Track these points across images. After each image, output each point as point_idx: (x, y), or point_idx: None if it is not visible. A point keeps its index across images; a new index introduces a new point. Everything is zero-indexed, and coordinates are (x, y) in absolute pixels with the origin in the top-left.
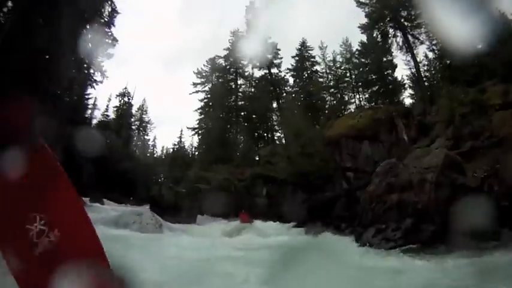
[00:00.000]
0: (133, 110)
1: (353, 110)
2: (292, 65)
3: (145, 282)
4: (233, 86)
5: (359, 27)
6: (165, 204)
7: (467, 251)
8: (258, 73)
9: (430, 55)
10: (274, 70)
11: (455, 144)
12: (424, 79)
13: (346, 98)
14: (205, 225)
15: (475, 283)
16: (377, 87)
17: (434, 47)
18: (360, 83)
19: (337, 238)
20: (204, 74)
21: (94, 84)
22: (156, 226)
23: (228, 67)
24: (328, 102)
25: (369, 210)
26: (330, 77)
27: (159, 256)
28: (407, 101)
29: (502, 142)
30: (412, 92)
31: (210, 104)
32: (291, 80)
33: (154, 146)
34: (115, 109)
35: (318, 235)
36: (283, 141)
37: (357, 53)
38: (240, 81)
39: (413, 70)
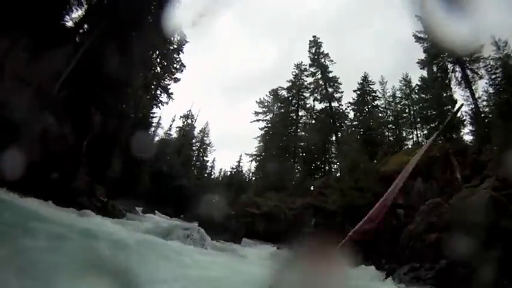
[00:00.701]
0: (196, 131)
1: (410, 146)
2: (353, 99)
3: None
4: (294, 117)
5: (417, 62)
6: (213, 223)
7: None
8: (319, 106)
9: (490, 90)
10: (334, 104)
11: (504, 185)
12: (483, 115)
13: (404, 134)
14: (248, 247)
15: None
16: (436, 123)
17: (493, 82)
18: (419, 119)
19: (372, 273)
20: (266, 104)
21: (160, 104)
22: (199, 241)
23: (290, 98)
24: (386, 138)
25: (406, 248)
26: (388, 112)
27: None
28: (467, 138)
29: None
30: (472, 129)
31: (270, 132)
32: (352, 114)
33: (212, 167)
34: (178, 129)
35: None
36: (338, 174)
37: (416, 88)
38: (301, 113)
39: (472, 106)
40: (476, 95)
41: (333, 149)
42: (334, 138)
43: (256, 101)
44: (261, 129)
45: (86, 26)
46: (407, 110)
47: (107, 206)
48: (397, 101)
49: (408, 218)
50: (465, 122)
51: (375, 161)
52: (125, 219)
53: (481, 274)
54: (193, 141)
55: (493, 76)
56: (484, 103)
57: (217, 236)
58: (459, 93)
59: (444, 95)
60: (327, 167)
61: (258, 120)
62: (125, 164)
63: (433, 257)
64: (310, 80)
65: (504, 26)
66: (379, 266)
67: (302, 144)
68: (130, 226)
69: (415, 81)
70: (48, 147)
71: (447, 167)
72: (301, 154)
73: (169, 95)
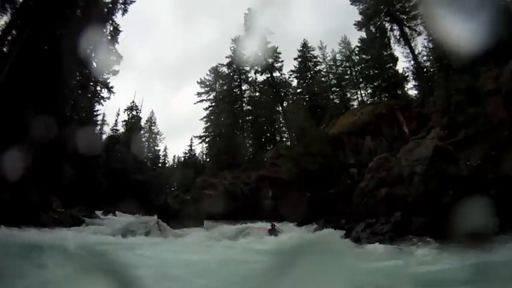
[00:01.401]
0: (142, 122)
1: (356, 106)
2: (295, 67)
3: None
4: (238, 92)
5: (354, 24)
6: (171, 212)
7: (458, 245)
8: (260, 78)
9: (430, 45)
10: (276, 74)
11: (449, 134)
12: (425, 70)
13: (349, 95)
14: (211, 229)
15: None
16: (379, 81)
17: (432, 37)
18: (361, 79)
19: (331, 233)
20: (207, 83)
21: (102, 100)
22: (160, 232)
23: (231, 74)
24: (332, 101)
25: (360, 206)
26: (331, 76)
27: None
28: (412, 93)
29: (496, 128)
30: (415, 84)
31: (216, 111)
32: (295, 82)
33: (165, 156)
34: (124, 123)
35: (315, 232)
36: (289, 143)
37: (356, 49)
38: (244, 87)
39: (413, 62)
40: (416, 51)
41: (280, 119)
42: (280, 108)
43: (197, 82)
44: (206, 109)
45: (13, 31)
46: (349, 72)
47: (64, 217)
48: (338, 64)
49: (361, 176)
50: (408, 78)
51: (323, 126)
52: (84, 225)
53: (434, 222)
54: (142, 132)
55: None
56: (425, 58)
57: (178, 224)
58: (399, 50)
59: (385, 53)
60: (277, 138)
61: (201, 101)
62: (76, 169)
63: (387, 211)
64: (248, 53)
65: None
66: (338, 226)
67: (249, 118)
68: (87, 231)
69: (354, 43)
70: None
71: (394, 123)
72: (250, 128)
73: (109, 90)
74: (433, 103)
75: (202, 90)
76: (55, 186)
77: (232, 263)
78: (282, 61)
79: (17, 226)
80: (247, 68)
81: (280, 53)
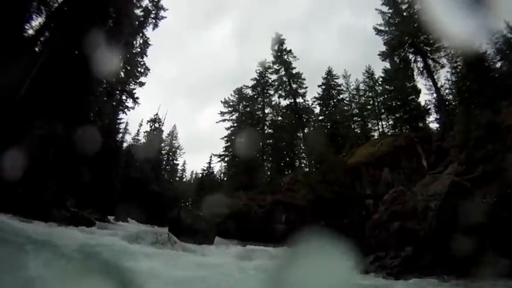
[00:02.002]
0: (164, 135)
1: (376, 137)
2: (318, 94)
3: None
4: (260, 115)
5: (378, 54)
6: (183, 226)
7: (464, 279)
8: (284, 102)
9: (452, 78)
10: (299, 99)
11: (467, 169)
12: (446, 103)
13: (370, 126)
14: (220, 247)
15: None
16: (401, 113)
17: (454, 70)
18: (383, 110)
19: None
20: (231, 103)
21: (126, 110)
22: (168, 244)
23: (255, 96)
24: (353, 130)
25: (371, 238)
26: (353, 105)
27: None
28: (433, 126)
29: None
30: (437, 117)
31: (237, 132)
32: (318, 109)
33: (183, 170)
34: (145, 134)
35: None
36: (307, 169)
37: (380, 80)
38: (267, 110)
39: (435, 95)
40: (439, 84)
41: (301, 145)
42: (301, 133)
43: (221, 101)
44: (228, 128)
45: (46, 33)
46: (371, 102)
47: (76, 216)
48: (361, 93)
49: (376, 208)
50: (430, 111)
51: (342, 154)
52: (95, 227)
53: (446, 258)
54: (162, 145)
55: (454, 64)
56: (447, 91)
57: (189, 239)
58: (422, 83)
59: (408, 85)
60: (296, 163)
61: (224, 120)
62: (93, 173)
63: (397, 245)
64: (274, 77)
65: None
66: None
67: (270, 141)
68: (96, 233)
69: (378, 73)
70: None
71: (413, 156)
72: (269, 152)
73: (134, 100)
74: (453, 137)
75: (226, 110)
76: (71, 186)
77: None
78: (306, 87)
79: (28, 219)
80: (272, 92)
81: (304, 79)
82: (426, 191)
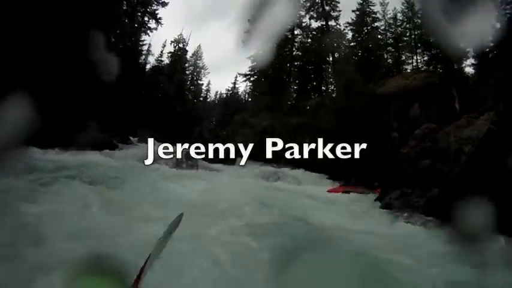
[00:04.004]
0: (188, 55)
1: (409, 71)
2: (352, 19)
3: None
4: (289, 36)
5: None
6: (205, 145)
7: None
8: (315, 24)
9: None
10: (331, 22)
11: (504, 120)
12: (488, 50)
13: (404, 58)
14: (244, 168)
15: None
16: (437, 50)
17: (502, 17)
18: (420, 45)
19: (362, 196)
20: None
21: (148, 31)
22: (190, 164)
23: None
24: (385, 61)
25: (398, 172)
26: (388, 34)
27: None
28: (469, 70)
29: None
30: (475, 62)
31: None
32: (350, 35)
33: (208, 91)
34: (169, 55)
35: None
36: (334, 94)
37: (420, 12)
38: (296, 32)
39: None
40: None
41: (329, 69)
42: (330, 58)
43: (248, 19)
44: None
45: None
46: (408, 34)
47: (99, 140)
48: (398, 23)
49: (402, 142)
50: (468, 54)
51: (372, 83)
52: (117, 150)
53: (473, 207)
54: (186, 65)
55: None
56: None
57: (211, 159)
58: None
59: None
60: (323, 87)
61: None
62: (116, 95)
63: (425, 184)
64: None
65: None
66: (370, 187)
67: (297, 63)
68: (117, 156)
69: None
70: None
71: (446, 96)
72: (296, 73)
73: (157, 21)
74: (493, 84)
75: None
76: (93, 109)
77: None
78: (340, 10)
79: (52, 148)
80: (302, 13)
81: (338, 2)
82: (460, 133)
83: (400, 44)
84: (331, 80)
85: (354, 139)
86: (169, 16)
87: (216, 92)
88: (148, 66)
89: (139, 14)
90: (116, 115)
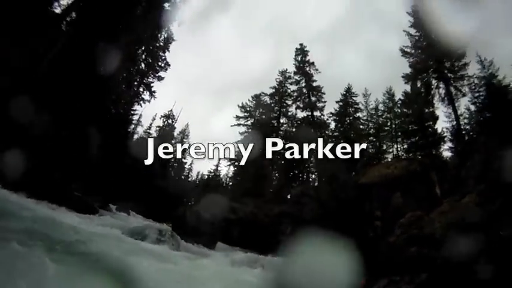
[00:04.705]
0: (175, 132)
1: (390, 160)
2: (335, 110)
3: None
4: (275, 124)
5: (403, 76)
6: (187, 226)
7: None
8: (300, 114)
9: (472, 108)
10: (316, 113)
11: (485, 201)
12: (464, 132)
13: (385, 147)
14: (222, 252)
15: None
16: (416, 138)
17: (476, 100)
18: (400, 133)
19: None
20: (248, 108)
21: (141, 102)
22: (173, 243)
23: (272, 105)
24: (366, 150)
25: (385, 261)
26: (370, 125)
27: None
28: (446, 154)
29: None
30: (452, 146)
31: (250, 138)
32: (333, 125)
33: (190, 170)
34: (157, 129)
35: None
36: (316, 183)
37: (399, 102)
38: (282, 120)
39: (454, 123)
40: (459, 112)
41: (312, 159)
42: (314, 146)
43: (238, 105)
44: (241, 133)
45: (73, 14)
46: (388, 124)
47: (80, 202)
48: (380, 113)
49: (385, 231)
50: (445, 139)
51: (353, 173)
52: (98, 215)
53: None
54: (173, 142)
55: (476, 94)
56: (465, 120)
57: (191, 240)
58: (441, 110)
59: (426, 110)
60: (305, 176)
61: (238, 125)
62: (101, 160)
63: (413, 270)
64: (293, 87)
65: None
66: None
67: (281, 151)
68: (98, 222)
69: (399, 95)
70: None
71: (426, 182)
72: (279, 162)
73: (151, 93)
74: (471, 167)
75: (242, 114)
76: (77, 171)
77: None
78: (325, 101)
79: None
80: (289, 102)
81: (324, 93)
82: (445, 219)
83: (381, 134)
84: (313, 169)
85: (336, 228)
86: (163, 91)
87: (198, 172)
88: (135, 137)
89: (135, 83)
90: (99, 179)
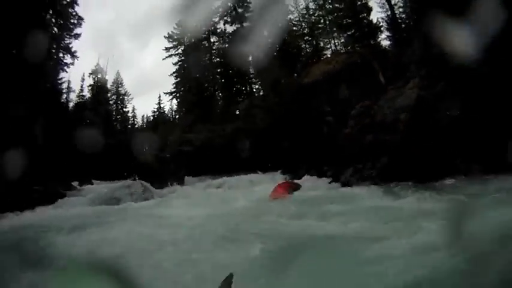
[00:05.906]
0: (109, 84)
1: (329, 55)
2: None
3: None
4: (206, 45)
5: None
6: (152, 172)
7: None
8: (230, 28)
9: None
10: (247, 23)
11: (429, 84)
12: (400, 21)
13: (322, 44)
14: (192, 185)
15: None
16: (352, 31)
17: None
18: (335, 29)
19: (315, 179)
20: (175, 37)
21: (65, 67)
22: (145, 194)
23: (199, 26)
24: (304, 50)
25: (345, 152)
26: (304, 24)
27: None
28: (386, 43)
29: None
30: (390, 35)
31: (185, 65)
32: (266, 32)
33: (134, 116)
34: (90, 88)
35: (300, 179)
36: (261, 93)
37: None
38: (213, 39)
39: (389, 13)
40: (392, 2)
41: (251, 70)
42: (250, 58)
43: (164, 36)
44: (175, 64)
45: None
46: (322, 21)
47: (44, 194)
48: (311, 12)
49: (338, 124)
50: (382, 28)
51: (295, 74)
52: (66, 198)
53: (420, 166)
54: (109, 95)
55: None
56: (400, 10)
57: (160, 184)
58: (374, 1)
59: (359, 3)
60: (248, 88)
61: (170, 56)
62: (45, 142)
63: (373, 157)
64: (218, 3)
65: None
66: (321, 173)
67: (219, 70)
68: (70, 205)
69: None
70: None
71: (369, 72)
72: (220, 80)
73: (72, 55)
74: (412, 53)
75: (170, 44)
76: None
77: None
78: (252, 11)
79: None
80: (216, 19)
81: (250, 2)
82: (393, 105)
83: (316, 32)
84: (255, 79)
85: (291, 131)
86: (84, 47)
87: (143, 115)
88: (71, 104)
89: (53, 50)
90: (49, 162)
